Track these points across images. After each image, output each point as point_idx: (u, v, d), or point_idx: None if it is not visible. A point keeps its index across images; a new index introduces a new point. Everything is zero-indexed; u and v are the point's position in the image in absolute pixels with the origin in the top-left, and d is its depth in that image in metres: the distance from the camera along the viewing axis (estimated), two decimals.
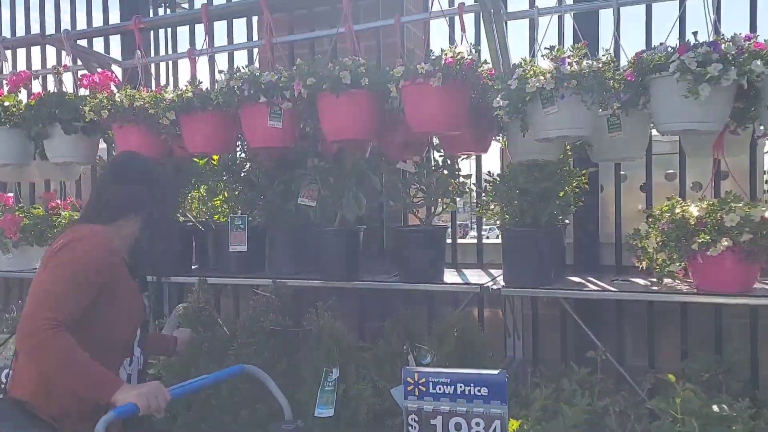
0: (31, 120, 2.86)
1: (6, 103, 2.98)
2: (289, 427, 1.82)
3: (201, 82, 2.63)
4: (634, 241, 2.37)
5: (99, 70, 3.12)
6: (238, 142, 2.87)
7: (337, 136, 2.48)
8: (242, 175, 3.01)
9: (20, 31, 4.08)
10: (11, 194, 3.59)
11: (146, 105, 2.63)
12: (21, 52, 3.96)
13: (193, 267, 3.18)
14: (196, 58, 2.87)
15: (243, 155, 3.00)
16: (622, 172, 2.93)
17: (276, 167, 2.89)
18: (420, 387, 2.08)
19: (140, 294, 2.04)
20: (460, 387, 2.04)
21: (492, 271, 2.87)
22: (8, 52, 3.38)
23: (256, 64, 2.77)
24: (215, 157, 2.97)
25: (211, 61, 3.13)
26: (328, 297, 2.65)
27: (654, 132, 2.46)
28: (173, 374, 2.53)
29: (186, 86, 2.64)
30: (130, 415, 1.68)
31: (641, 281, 2.53)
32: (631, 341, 2.89)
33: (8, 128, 2.95)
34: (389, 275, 2.78)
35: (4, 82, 3.29)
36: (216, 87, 2.55)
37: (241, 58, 3.48)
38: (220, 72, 2.62)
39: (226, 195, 3.03)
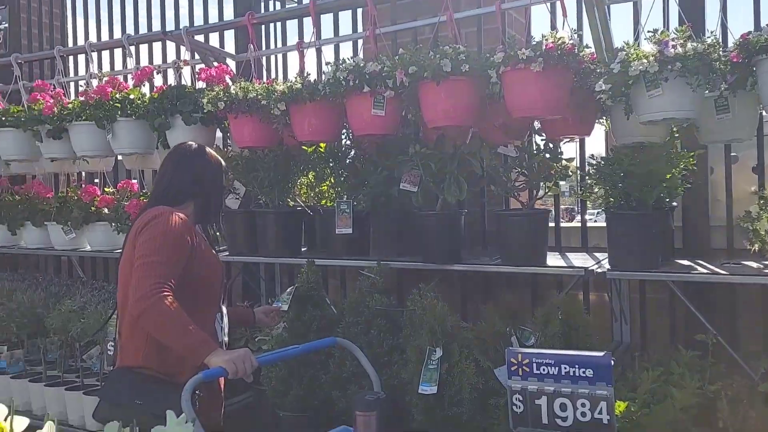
0: (154, 112, 3.12)
1: (131, 97, 3.26)
2: (372, 397, 1.92)
3: (309, 74, 2.77)
4: (746, 224, 2.29)
5: (215, 63, 3.34)
6: (344, 130, 2.99)
7: (438, 122, 2.54)
8: (347, 161, 3.14)
9: (143, 29, 4.39)
10: (135, 181, 3.91)
11: (259, 96, 2.80)
12: (143, 48, 4.28)
13: (302, 249, 3.36)
14: (305, 50, 3.02)
15: (348, 143, 3.13)
16: (732, 154, 2.82)
17: (379, 154, 2.99)
18: (524, 367, 2.13)
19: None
20: (565, 368, 2.06)
21: (597, 254, 2.85)
22: (132, 48, 3.66)
23: (361, 55, 2.87)
24: (322, 144, 3.11)
25: (319, 53, 3.26)
26: (431, 279, 2.73)
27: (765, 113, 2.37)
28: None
29: (295, 78, 2.78)
30: (217, 378, 1.84)
31: (754, 264, 2.44)
32: (743, 326, 2.80)
33: (134, 120, 3.22)
34: (491, 258, 2.83)
35: (129, 76, 3.58)
36: (323, 78, 2.68)
37: (346, 50, 3.60)
38: (327, 63, 2.75)
39: (332, 181, 3.17)
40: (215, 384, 2.10)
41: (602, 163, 2.43)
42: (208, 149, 2.31)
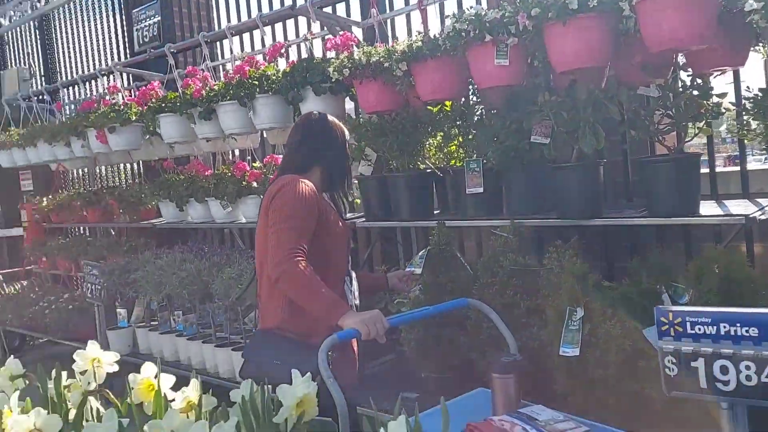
0: (286, 86, 3.23)
1: (268, 73, 3.40)
2: (508, 359, 1.84)
3: (429, 30, 2.69)
4: None
5: (341, 33, 3.38)
6: (470, 86, 2.89)
7: (568, 66, 2.36)
8: (476, 118, 3.04)
9: (276, 4, 4.52)
10: (280, 155, 4.10)
11: (381, 59, 2.79)
12: (279, 27, 4.44)
13: (435, 212, 3.33)
14: (426, 7, 2.94)
15: (474, 99, 3.02)
16: None
17: (507, 107, 2.85)
18: (676, 327, 1.94)
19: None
20: (724, 327, 1.86)
21: (760, 200, 2.51)
22: (268, 29, 3.81)
23: (484, 4, 2.74)
24: (448, 103, 3.04)
25: (441, 9, 3.17)
26: (569, 236, 2.58)
27: None
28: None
29: (416, 36, 2.72)
30: (350, 339, 1.87)
31: None
32: None
33: (270, 95, 3.36)
34: (636, 211, 2.60)
35: (263, 54, 3.73)
36: (443, 33, 2.59)
37: (470, 2, 3.46)
38: (446, 17, 2.65)
39: (461, 139, 3.09)
40: (349, 346, 2.16)
41: (760, 95, 2.11)
42: (330, 117, 2.36)
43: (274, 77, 3.33)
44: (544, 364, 2.35)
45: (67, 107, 5.45)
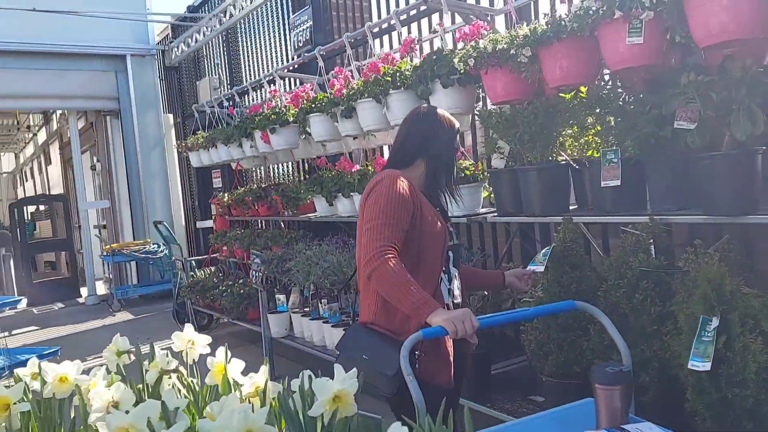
0: (416, 80, 3.21)
1: (402, 69, 3.41)
2: (613, 369, 1.63)
3: (556, 12, 2.51)
4: None
5: (474, 22, 3.28)
6: (604, 70, 2.65)
7: (714, 38, 2.06)
8: (617, 105, 2.77)
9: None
10: None
11: (506, 46, 2.65)
12: (423, 24, 4.45)
13: (572, 207, 3.10)
14: None
15: (612, 83, 2.75)
16: None
17: (649, 90, 2.56)
18: None
19: (443, 219, 2.22)
20: None
21: None
22: (404, 29, 3.82)
23: None
24: (583, 89, 2.81)
25: None
26: (718, 235, 2.25)
27: None
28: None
29: (542, 18, 2.55)
30: (437, 337, 1.78)
31: None
32: None
33: (403, 90, 3.37)
34: None
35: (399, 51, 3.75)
36: (569, 12, 2.40)
37: None
38: None
39: (598, 128, 2.84)
40: (442, 346, 2.08)
41: None
42: (439, 111, 2.30)
43: (407, 72, 3.32)
44: (675, 378, 2.08)
45: (238, 112, 5.95)
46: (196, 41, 8.46)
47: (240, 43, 7.63)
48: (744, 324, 1.88)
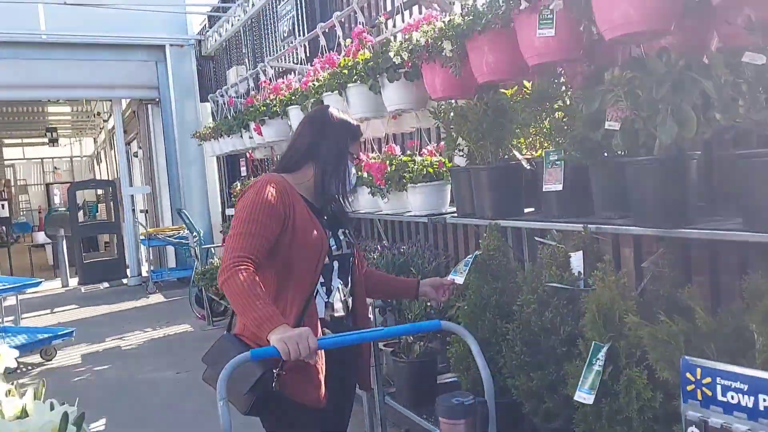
0: (366, 74, 3.06)
1: (360, 61, 3.25)
2: (459, 401, 1.47)
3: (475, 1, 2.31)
4: None
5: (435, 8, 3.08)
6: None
7: (616, 31, 1.82)
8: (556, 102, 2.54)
9: None
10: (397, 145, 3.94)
11: (435, 39, 2.47)
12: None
13: (528, 210, 2.90)
14: None
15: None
16: None
17: (585, 88, 2.33)
18: (704, 389, 1.44)
19: (324, 229, 2.07)
20: (764, 400, 1.34)
21: None
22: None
23: None
24: (527, 84, 2.60)
25: None
26: (654, 247, 2.02)
27: None
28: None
29: (462, 7, 2.36)
30: (270, 357, 1.66)
31: None
32: None
33: (359, 84, 3.22)
34: (727, 219, 1.94)
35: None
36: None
37: None
38: None
39: (545, 126, 2.62)
40: (310, 364, 1.93)
41: None
42: (333, 111, 2.17)
43: (358, 67, 3.18)
44: (569, 409, 1.89)
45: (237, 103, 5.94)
46: (226, 31, 8.52)
47: (262, 32, 7.62)
48: (630, 355, 1.67)
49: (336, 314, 2.09)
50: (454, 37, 2.33)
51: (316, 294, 2.04)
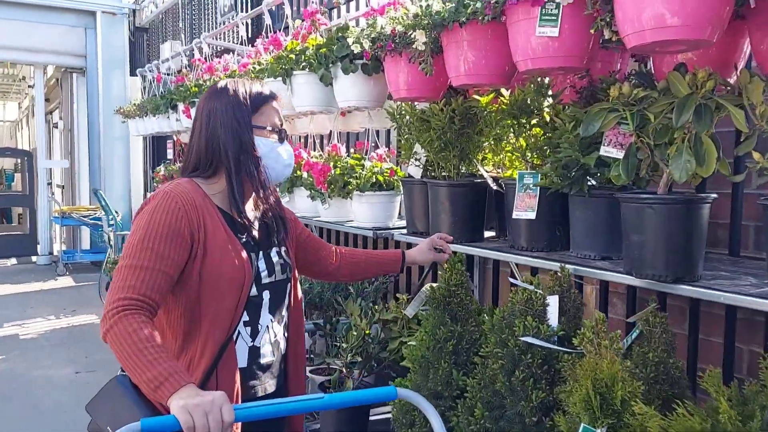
0: (317, 62, 2.61)
1: (310, 46, 2.80)
2: None
3: None
4: None
5: None
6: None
7: (642, 38, 1.45)
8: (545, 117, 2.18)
9: None
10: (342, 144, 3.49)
11: (404, 28, 2.06)
12: None
13: (488, 234, 2.53)
14: None
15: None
16: None
17: (576, 103, 1.98)
18: None
19: (250, 252, 1.60)
20: None
21: None
22: None
23: None
24: (504, 93, 2.22)
25: None
26: (645, 301, 1.67)
27: None
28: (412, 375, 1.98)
29: None
30: (167, 430, 1.20)
31: None
32: None
33: (308, 72, 2.77)
34: (754, 280, 1.62)
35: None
36: None
37: None
38: None
39: (522, 143, 2.25)
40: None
41: None
42: (221, 83, 1.64)
43: (308, 53, 2.72)
44: None
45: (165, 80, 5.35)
46: (163, 2, 7.84)
47: (201, 5, 7.00)
48: None
49: (263, 360, 1.63)
50: (430, 27, 1.91)
51: (237, 337, 1.58)
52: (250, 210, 1.67)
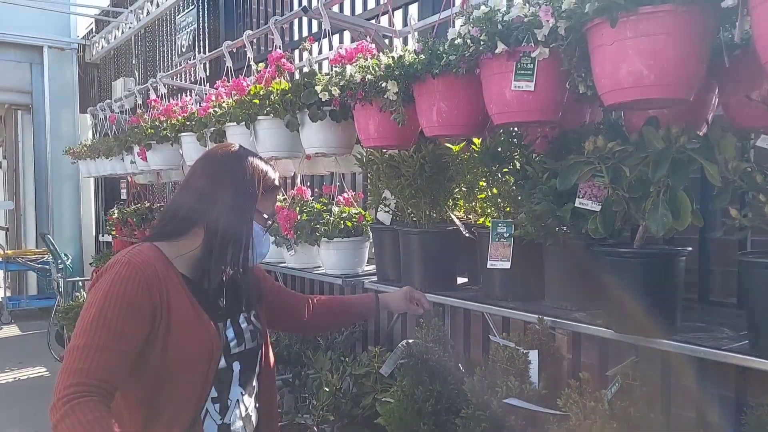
0: (282, 107, 2.55)
1: (275, 90, 2.73)
2: None
3: (433, 38, 1.89)
4: None
5: (368, 39, 2.64)
6: None
7: (619, 97, 1.45)
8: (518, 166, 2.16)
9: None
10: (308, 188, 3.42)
11: (374, 78, 2.02)
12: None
13: (461, 282, 2.49)
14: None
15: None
16: None
17: (553, 153, 1.97)
18: None
19: (217, 322, 1.51)
20: None
21: None
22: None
23: None
24: (476, 140, 2.21)
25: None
26: (626, 355, 1.64)
27: None
28: None
29: (415, 43, 1.93)
30: None
31: None
32: None
33: (272, 117, 2.70)
34: (730, 333, 1.61)
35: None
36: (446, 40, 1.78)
37: None
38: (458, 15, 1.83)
39: (494, 191, 2.23)
40: None
41: None
42: (240, 150, 1.59)
43: (273, 97, 2.65)
44: None
45: (119, 121, 5.21)
46: (116, 38, 7.69)
47: (157, 43, 6.88)
48: None
49: None
50: (402, 78, 1.88)
51: (205, 416, 1.47)
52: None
